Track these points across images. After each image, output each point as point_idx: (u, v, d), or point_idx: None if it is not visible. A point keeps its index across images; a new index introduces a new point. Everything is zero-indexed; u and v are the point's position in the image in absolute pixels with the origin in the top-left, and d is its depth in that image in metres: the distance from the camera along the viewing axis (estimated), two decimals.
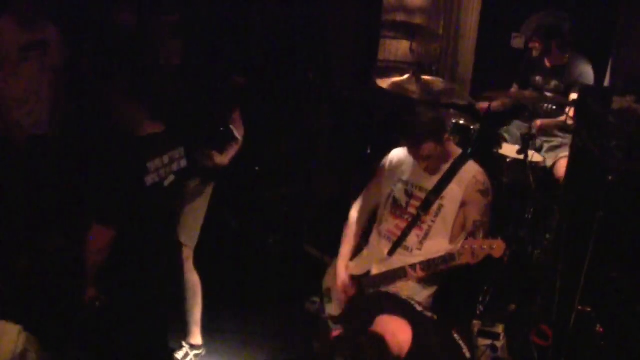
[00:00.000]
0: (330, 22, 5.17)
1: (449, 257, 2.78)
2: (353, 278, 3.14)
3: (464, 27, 5.49)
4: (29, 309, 3.43)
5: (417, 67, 4.40)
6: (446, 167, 3.00)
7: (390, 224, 3.10)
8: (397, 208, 3.10)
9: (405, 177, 3.12)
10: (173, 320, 3.30)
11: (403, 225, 3.04)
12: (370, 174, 3.43)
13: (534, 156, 3.99)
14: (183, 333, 3.47)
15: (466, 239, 2.83)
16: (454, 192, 2.96)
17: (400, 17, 5.58)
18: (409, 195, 3.07)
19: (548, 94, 4.13)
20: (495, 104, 4.41)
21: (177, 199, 2.74)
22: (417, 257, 2.94)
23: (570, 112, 3.92)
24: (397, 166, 3.17)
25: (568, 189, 3.55)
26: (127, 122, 2.62)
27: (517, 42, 4.37)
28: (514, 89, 4.44)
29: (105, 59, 3.69)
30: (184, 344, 3.48)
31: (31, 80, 3.88)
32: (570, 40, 4.21)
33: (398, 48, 5.59)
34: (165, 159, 2.63)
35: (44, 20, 3.90)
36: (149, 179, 2.55)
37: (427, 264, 2.83)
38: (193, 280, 3.39)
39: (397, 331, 2.34)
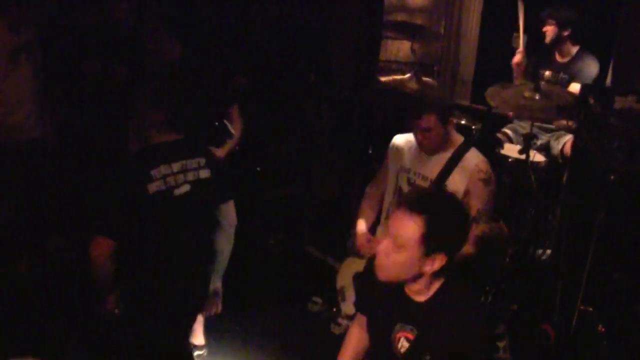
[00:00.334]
0: (331, 22, 5.17)
1: None
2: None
3: (465, 27, 5.49)
4: (30, 310, 3.44)
5: (418, 67, 4.41)
6: (448, 155, 2.99)
7: None
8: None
9: (407, 165, 3.12)
10: None
11: None
12: (370, 174, 3.45)
13: (535, 156, 3.99)
14: None
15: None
16: (456, 182, 2.94)
17: (401, 17, 5.59)
18: (412, 185, 3.08)
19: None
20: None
21: (197, 209, 2.66)
22: None
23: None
24: (399, 150, 3.18)
25: (569, 189, 3.55)
26: (147, 130, 2.58)
27: (518, 42, 4.40)
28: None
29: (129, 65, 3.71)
30: None
31: (24, 83, 3.85)
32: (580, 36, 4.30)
33: (399, 48, 5.60)
34: (175, 166, 2.53)
35: (28, 23, 3.87)
36: (153, 187, 2.47)
37: None
38: None
39: None
